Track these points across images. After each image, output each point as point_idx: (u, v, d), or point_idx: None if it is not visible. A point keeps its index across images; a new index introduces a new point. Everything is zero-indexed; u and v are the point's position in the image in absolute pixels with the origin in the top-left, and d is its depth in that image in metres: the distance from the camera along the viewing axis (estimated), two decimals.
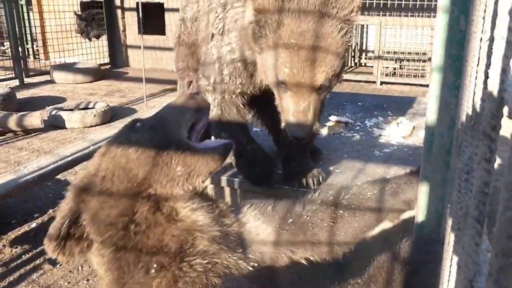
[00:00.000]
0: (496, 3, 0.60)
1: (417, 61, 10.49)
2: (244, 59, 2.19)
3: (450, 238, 1.23)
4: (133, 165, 1.39)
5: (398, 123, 3.48)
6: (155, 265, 1.30)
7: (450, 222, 1.25)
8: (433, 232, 1.52)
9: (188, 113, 1.52)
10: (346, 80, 10.60)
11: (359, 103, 4.17)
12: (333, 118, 3.64)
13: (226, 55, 2.22)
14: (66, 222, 1.36)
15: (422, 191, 1.56)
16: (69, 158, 3.98)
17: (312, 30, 1.77)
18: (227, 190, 2.62)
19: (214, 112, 2.36)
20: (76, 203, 1.39)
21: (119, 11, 11.31)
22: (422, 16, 10.55)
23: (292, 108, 1.88)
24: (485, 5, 0.70)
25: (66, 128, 6.78)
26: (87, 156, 4.14)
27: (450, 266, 0.83)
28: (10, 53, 10.22)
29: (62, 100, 8.34)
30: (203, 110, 1.56)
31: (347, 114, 3.78)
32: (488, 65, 0.60)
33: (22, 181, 3.57)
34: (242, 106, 2.38)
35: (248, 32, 1.96)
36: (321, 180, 2.43)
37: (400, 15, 10.81)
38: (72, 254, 1.41)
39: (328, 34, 1.78)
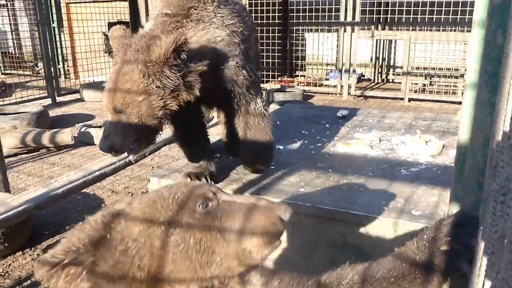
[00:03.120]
0: None
1: (448, 77, 10.26)
2: None
3: (482, 262, 1.15)
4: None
5: (426, 142, 3.37)
6: None
7: (482, 245, 1.17)
8: None
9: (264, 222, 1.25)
10: (373, 97, 10.48)
11: (386, 121, 4.08)
12: (358, 135, 3.56)
13: None
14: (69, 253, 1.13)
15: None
16: (97, 173, 4.04)
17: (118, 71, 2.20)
18: None
19: None
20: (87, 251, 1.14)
21: None
22: (454, 31, 10.35)
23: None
24: None
25: (95, 144, 6.93)
26: (113, 171, 4.24)
27: None
28: (43, 73, 10.60)
29: (91, 117, 8.56)
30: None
31: (373, 132, 3.70)
32: None
33: (52, 194, 3.65)
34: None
35: None
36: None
37: (431, 30, 10.65)
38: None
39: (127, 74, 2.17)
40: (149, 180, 2.83)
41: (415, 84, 10.28)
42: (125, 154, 2.31)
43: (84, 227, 1.21)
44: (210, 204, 1.25)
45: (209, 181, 2.61)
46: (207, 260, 1.19)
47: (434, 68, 10.40)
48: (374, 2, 11.19)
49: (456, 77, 9.96)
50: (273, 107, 7.48)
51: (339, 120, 4.08)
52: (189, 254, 1.17)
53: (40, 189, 3.78)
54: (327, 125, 3.88)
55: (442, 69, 10.34)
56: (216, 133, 4.14)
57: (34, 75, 12.96)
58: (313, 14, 11.20)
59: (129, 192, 5.08)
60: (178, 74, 2.18)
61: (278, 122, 3.88)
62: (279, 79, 12.13)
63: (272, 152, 2.89)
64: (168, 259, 1.16)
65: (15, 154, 6.46)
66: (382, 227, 2.24)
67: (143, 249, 1.15)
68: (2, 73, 14.06)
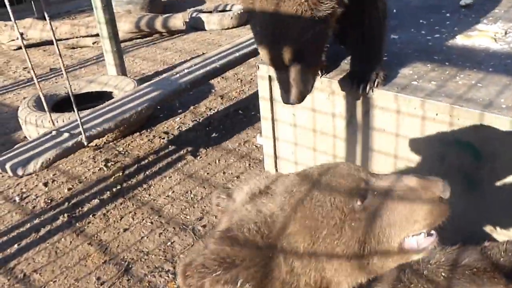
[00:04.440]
0: None
1: None
2: None
3: None
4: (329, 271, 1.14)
5: None
6: None
7: None
8: None
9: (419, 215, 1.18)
10: None
11: None
12: (481, 27, 3.23)
13: None
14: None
15: None
16: (217, 65, 4.20)
17: (273, 11, 1.93)
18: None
19: None
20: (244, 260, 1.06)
21: None
22: None
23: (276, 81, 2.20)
24: None
25: (205, 30, 7.14)
26: (234, 63, 4.39)
27: None
28: None
29: (202, 2, 8.67)
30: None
31: (498, 23, 3.33)
32: None
33: (176, 88, 3.96)
34: None
35: None
36: (374, 85, 2.47)
37: None
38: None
39: (288, 13, 1.91)
40: (258, 67, 2.95)
41: None
42: None
43: (236, 237, 1.10)
44: (367, 199, 1.17)
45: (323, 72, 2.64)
46: (366, 261, 1.15)
47: None
48: None
49: None
50: None
51: (461, 9, 3.70)
52: (350, 257, 1.13)
53: (163, 81, 4.11)
54: (448, 15, 3.56)
55: None
56: None
57: None
58: None
59: (238, 79, 5.31)
60: None
61: (394, 11, 3.64)
62: None
63: (384, 44, 2.78)
64: (331, 268, 1.12)
65: (130, 39, 6.92)
66: (498, 125, 2.16)
67: (309, 267, 1.11)
68: None
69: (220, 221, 1.27)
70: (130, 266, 2.70)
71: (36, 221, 3.18)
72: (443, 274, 1.40)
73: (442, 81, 2.49)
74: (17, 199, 3.42)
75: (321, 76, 2.66)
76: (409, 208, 1.16)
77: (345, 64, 2.79)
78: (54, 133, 3.31)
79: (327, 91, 2.71)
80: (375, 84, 2.47)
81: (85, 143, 3.27)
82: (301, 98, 2.15)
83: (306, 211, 1.13)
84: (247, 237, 1.08)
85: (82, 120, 3.21)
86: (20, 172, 3.01)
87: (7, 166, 3.01)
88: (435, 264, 1.43)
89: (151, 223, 3.06)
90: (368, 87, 2.47)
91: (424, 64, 2.71)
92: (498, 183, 2.32)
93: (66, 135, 3.29)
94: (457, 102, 2.27)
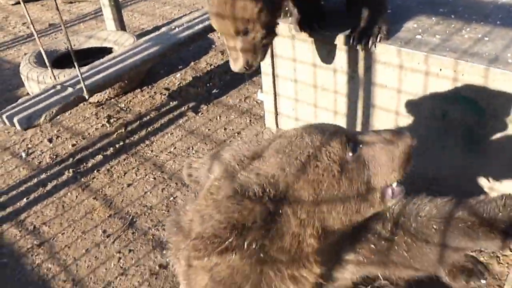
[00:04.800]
0: None
1: None
2: None
3: None
4: (332, 220, 1.24)
5: None
6: None
7: None
8: None
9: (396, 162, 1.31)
10: None
11: None
12: None
13: None
14: (232, 239, 1.08)
15: None
16: None
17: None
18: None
19: None
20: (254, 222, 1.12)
21: None
22: None
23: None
24: None
25: None
26: None
27: None
28: None
29: None
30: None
31: None
32: None
33: (175, 42, 3.91)
34: None
35: None
36: (376, 40, 2.42)
37: None
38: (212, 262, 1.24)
39: None
40: None
41: None
42: None
43: (242, 201, 1.13)
44: (356, 152, 1.27)
45: (318, 25, 2.59)
46: (357, 207, 1.26)
47: None
48: None
49: None
50: None
51: None
52: (346, 205, 1.24)
53: (162, 35, 4.04)
54: None
55: None
56: None
57: None
58: None
59: None
60: None
61: None
62: None
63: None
64: (331, 216, 1.22)
65: None
66: (504, 81, 2.13)
67: (314, 217, 1.20)
68: None
69: (198, 192, 1.32)
70: (135, 220, 2.77)
71: (43, 176, 3.24)
72: (434, 226, 1.37)
73: (447, 35, 2.44)
74: (23, 154, 3.47)
75: (322, 30, 2.61)
76: (390, 158, 1.30)
77: (347, 18, 2.73)
78: (58, 87, 3.34)
79: (328, 46, 2.66)
80: (378, 39, 2.42)
81: (86, 97, 3.30)
82: (248, 67, 2.17)
83: (307, 167, 1.20)
84: (255, 199, 1.13)
85: (82, 75, 3.22)
86: (25, 125, 3.06)
87: (13, 119, 3.06)
88: (425, 216, 1.40)
89: (154, 178, 3.11)
90: (370, 42, 2.42)
91: (428, 17, 2.64)
92: (500, 141, 2.32)
93: (68, 89, 3.31)
94: (462, 56, 2.23)
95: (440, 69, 2.31)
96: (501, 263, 2.24)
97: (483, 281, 1.86)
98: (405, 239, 1.40)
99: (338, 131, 1.31)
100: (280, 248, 1.18)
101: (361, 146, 1.29)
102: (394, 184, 1.34)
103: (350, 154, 1.26)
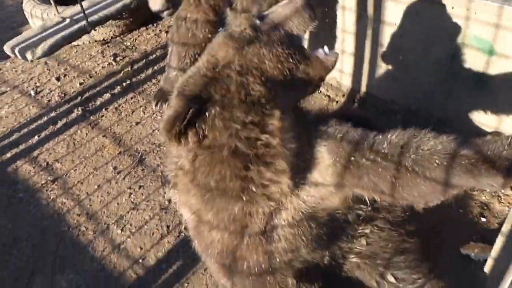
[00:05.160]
0: None
1: None
2: None
3: None
4: (267, 67, 1.41)
5: None
6: None
7: None
8: None
9: (306, 16, 1.52)
10: None
11: None
12: None
13: None
14: (193, 108, 1.32)
15: None
16: None
17: None
18: None
19: None
20: (205, 91, 1.36)
21: None
22: None
23: None
24: None
25: None
26: None
27: None
28: None
29: None
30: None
31: None
32: None
33: None
34: None
35: None
36: None
37: None
38: (186, 143, 1.37)
39: None
40: None
41: None
42: None
43: (196, 81, 1.39)
44: (264, 16, 1.49)
45: None
46: (285, 55, 1.43)
47: None
48: None
49: None
50: None
51: None
52: (273, 54, 1.42)
53: None
54: None
55: None
56: None
57: None
58: None
59: None
60: None
61: None
62: None
63: None
64: (269, 70, 1.42)
65: None
66: None
67: (250, 69, 1.39)
68: None
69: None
70: (144, 157, 2.85)
71: (52, 114, 3.30)
72: (437, 161, 1.37)
73: None
74: (32, 93, 3.51)
75: None
76: (294, 9, 1.50)
77: None
78: (64, 21, 3.36)
79: None
80: None
81: (88, 29, 3.33)
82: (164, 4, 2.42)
83: (233, 40, 1.43)
84: (202, 75, 1.39)
85: (85, 10, 3.24)
86: (29, 56, 3.08)
87: (16, 50, 3.10)
88: (428, 150, 1.40)
89: (161, 117, 3.15)
90: None
91: None
92: (510, 79, 2.29)
93: (70, 22, 3.33)
94: None
95: (453, 7, 2.24)
96: (502, 202, 2.29)
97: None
98: (396, 166, 1.42)
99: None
100: (237, 104, 1.36)
101: (267, 14, 1.52)
102: (326, 48, 1.52)
103: (258, 21, 1.47)
